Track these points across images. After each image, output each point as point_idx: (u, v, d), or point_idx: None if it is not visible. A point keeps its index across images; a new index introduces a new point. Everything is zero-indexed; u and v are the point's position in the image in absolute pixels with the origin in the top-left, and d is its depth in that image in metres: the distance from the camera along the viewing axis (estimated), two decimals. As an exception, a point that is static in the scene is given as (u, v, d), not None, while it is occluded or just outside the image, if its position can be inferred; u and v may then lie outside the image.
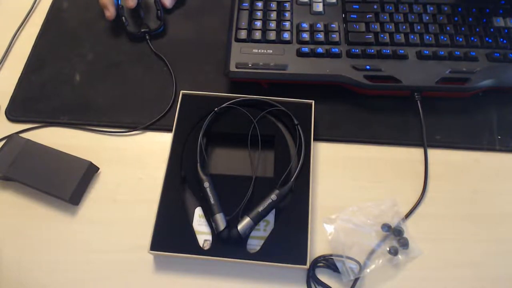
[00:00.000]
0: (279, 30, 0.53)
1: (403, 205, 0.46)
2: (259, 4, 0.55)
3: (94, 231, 0.45)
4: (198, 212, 0.44)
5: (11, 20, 0.60)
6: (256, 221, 0.42)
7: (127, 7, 0.56)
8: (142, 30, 0.57)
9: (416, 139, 0.50)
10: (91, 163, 0.47)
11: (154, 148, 0.50)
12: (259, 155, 0.48)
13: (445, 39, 0.52)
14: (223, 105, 0.49)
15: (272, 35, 0.52)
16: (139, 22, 0.57)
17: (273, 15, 0.54)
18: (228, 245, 0.42)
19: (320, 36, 0.52)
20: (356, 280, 0.42)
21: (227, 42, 0.53)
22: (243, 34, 0.52)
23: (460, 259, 0.44)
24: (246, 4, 0.55)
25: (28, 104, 0.53)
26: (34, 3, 0.62)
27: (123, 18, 0.57)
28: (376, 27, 0.53)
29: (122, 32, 0.58)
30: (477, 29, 0.53)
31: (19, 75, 0.55)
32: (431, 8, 0.54)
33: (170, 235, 0.42)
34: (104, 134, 0.51)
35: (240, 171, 0.47)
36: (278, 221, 0.43)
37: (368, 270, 0.42)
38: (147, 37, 0.57)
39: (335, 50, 0.51)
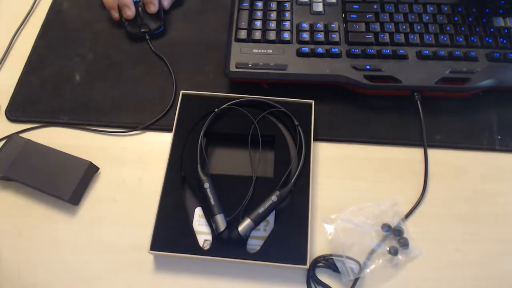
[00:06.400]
0: (279, 30, 0.53)
1: (403, 205, 0.46)
2: (259, 4, 0.55)
3: (94, 231, 0.45)
4: (198, 212, 0.44)
5: (11, 20, 0.60)
6: (256, 223, 0.42)
7: (126, 17, 0.57)
8: (142, 30, 0.57)
9: (416, 139, 0.50)
10: (91, 163, 0.47)
11: (154, 148, 0.50)
12: (259, 155, 0.48)
13: (445, 39, 0.52)
14: (224, 105, 0.49)
15: (272, 35, 0.52)
16: (139, 22, 0.57)
17: (273, 15, 0.54)
18: (228, 245, 0.42)
19: (320, 36, 0.52)
20: (356, 280, 0.42)
21: (227, 42, 0.53)
22: (243, 34, 0.52)
23: (460, 259, 0.44)
24: (246, 4, 0.55)
25: (28, 104, 0.53)
26: (34, 3, 0.62)
27: (123, 18, 0.57)
28: (376, 27, 0.53)
29: (122, 32, 0.58)
30: (477, 29, 0.53)
31: (19, 75, 0.55)
32: (431, 8, 0.54)
33: (170, 235, 0.42)
34: (104, 134, 0.51)
35: (240, 171, 0.47)
36: (278, 221, 0.43)
37: (368, 270, 0.42)
38: (147, 37, 0.57)
39: (335, 50, 0.51)
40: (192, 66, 0.56)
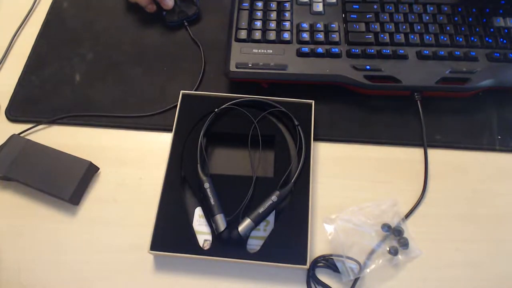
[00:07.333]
0: (279, 30, 0.53)
1: (403, 205, 0.46)
2: (259, 4, 0.55)
3: (94, 231, 0.45)
4: (198, 212, 0.44)
5: (11, 20, 0.60)
6: (256, 223, 0.42)
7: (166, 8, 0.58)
8: (181, 17, 0.58)
9: (416, 139, 0.50)
10: (91, 163, 0.47)
11: (154, 148, 0.50)
12: (259, 155, 0.48)
13: (445, 39, 0.52)
14: (224, 105, 0.49)
15: (272, 35, 0.52)
16: (177, 9, 0.58)
17: (273, 15, 0.54)
18: (228, 245, 0.42)
19: (320, 36, 0.52)
20: (356, 280, 0.42)
21: (227, 42, 0.53)
22: (243, 34, 0.52)
23: (460, 259, 0.44)
24: (246, 4, 0.55)
25: (28, 104, 0.53)
26: (34, 3, 0.62)
27: (162, 9, 0.58)
28: (376, 27, 0.53)
29: (122, 31, 0.58)
30: (477, 29, 0.53)
31: (19, 75, 0.55)
32: (431, 8, 0.54)
33: (170, 235, 0.42)
34: (104, 134, 0.51)
35: (240, 171, 0.47)
36: (278, 221, 0.43)
37: (368, 270, 0.42)
38: (186, 23, 0.58)
39: (335, 50, 0.51)
40: (193, 65, 0.56)
